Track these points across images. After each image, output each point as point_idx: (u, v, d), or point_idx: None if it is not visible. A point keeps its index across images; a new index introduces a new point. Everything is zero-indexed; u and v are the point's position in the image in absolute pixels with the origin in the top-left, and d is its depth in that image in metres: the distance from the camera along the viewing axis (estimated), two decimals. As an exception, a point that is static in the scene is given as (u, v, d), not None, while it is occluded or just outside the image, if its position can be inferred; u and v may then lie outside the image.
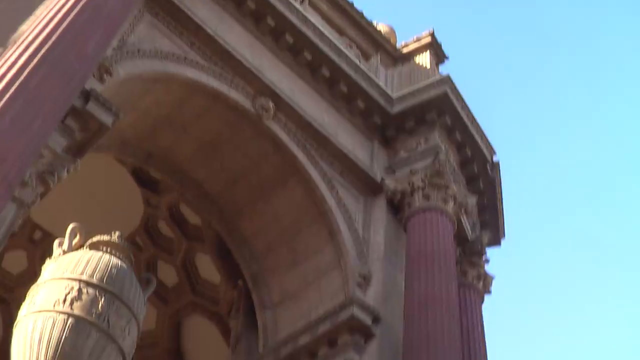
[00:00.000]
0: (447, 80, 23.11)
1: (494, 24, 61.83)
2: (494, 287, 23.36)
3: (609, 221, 58.13)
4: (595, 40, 58.86)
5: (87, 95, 15.25)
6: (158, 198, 24.01)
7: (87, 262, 11.88)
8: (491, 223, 24.55)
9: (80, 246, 12.50)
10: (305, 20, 21.67)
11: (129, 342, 11.59)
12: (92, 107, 15.31)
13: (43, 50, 13.44)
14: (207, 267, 24.54)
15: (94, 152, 17.05)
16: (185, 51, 19.01)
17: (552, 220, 60.23)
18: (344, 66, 22.08)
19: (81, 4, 14.64)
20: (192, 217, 23.99)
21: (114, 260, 12.06)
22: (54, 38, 13.78)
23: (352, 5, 25.23)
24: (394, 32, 27.18)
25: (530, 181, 58.34)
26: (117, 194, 23.96)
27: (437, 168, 21.35)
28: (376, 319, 18.75)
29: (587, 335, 56.44)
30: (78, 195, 23.45)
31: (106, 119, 15.55)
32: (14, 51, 13.32)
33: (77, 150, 15.41)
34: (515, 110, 60.51)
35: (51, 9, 14.43)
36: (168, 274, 25.08)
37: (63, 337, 11.01)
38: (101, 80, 16.27)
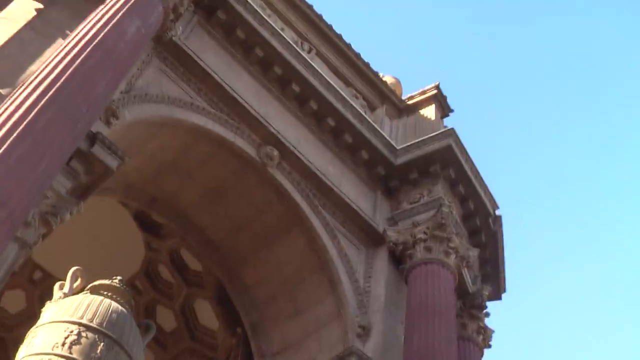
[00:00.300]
0: (452, 133, 23.19)
1: (500, 77, 62.19)
2: (493, 341, 23.23)
3: (610, 276, 57.99)
4: (602, 89, 59.15)
5: (93, 138, 15.30)
6: (159, 242, 23.97)
7: (88, 305, 11.85)
8: (492, 276, 24.48)
9: (81, 289, 12.49)
10: (312, 69, 21.80)
11: (127, 388, 11.53)
12: (97, 150, 15.35)
13: (51, 92, 13.43)
14: (206, 314, 24.43)
15: (98, 194, 17.06)
16: (192, 97, 19.10)
17: (554, 274, 60.06)
18: (350, 117, 22.16)
19: (91, 47, 14.68)
20: (193, 263, 23.94)
21: (114, 305, 12.03)
22: (62, 80, 13.78)
23: (358, 55, 25.42)
24: (400, 84, 27.35)
25: (533, 234, 58.26)
26: (118, 237, 23.95)
27: (440, 221, 21.33)
28: (375, 371, 18.64)
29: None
30: (80, 237, 23.44)
31: (111, 162, 15.58)
32: (22, 91, 13.32)
33: (81, 192, 15.41)
34: (518, 163, 60.66)
35: (61, 51, 14.49)
36: (167, 318, 24.95)
37: (61, 380, 10.94)
38: (108, 123, 16.33)
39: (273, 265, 21.09)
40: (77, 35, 14.81)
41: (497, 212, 24.43)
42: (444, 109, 26.46)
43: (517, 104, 61.14)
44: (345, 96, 22.60)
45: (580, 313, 58.67)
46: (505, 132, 61.53)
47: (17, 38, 15.74)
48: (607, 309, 58.15)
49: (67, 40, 14.77)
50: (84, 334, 11.36)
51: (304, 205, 20.45)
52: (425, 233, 21.15)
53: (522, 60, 61.37)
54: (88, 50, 14.60)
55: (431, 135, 23.41)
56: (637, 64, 57.20)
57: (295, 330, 20.58)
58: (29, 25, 16.11)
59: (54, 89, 13.53)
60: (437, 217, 21.42)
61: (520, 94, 61.59)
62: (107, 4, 15.77)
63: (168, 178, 20.28)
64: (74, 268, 12.78)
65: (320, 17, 24.96)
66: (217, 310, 23.67)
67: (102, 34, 14.98)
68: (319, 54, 24.26)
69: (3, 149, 11.92)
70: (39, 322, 11.97)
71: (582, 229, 59.26)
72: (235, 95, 19.78)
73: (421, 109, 25.92)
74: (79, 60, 14.31)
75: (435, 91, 26.20)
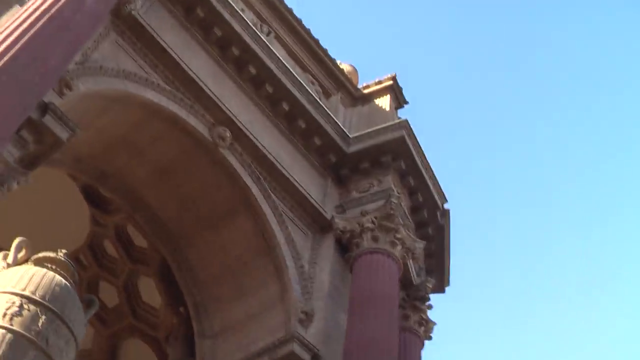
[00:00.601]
0: (405, 124, 23.28)
1: (458, 72, 62.51)
2: (435, 333, 23.42)
3: (552, 273, 58.75)
4: (562, 87, 59.81)
5: (44, 108, 15.12)
6: (106, 217, 23.73)
7: (31, 277, 11.73)
8: (437, 269, 24.68)
9: (25, 261, 12.33)
10: (270, 52, 21.74)
11: (66, 363, 11.43)
12: (48, 120, 15.18)
13: (3, 60, 13.25)
14: (150, 291, 24.26)
15: (47, 165, 16.87)
16: (147, 73, 18.95)
17: (498, 270, 60.70)
18: (305, 102, 22.15)
19: (47, 16, 14.48)
20: (139, 240, 23.74)
21: (58, 279, 11.91)
22: (16, 48, 13.60)
23: (317, 42, 25.38)
24: (357, 72, 27.38)
25: (480, 230, 58.76)
26: (65, 210, 23.69)
27: (388, 211, 21.43)
28: (315, 357, 18.69)
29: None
30: (26, 208, 23.13)
31: (62, 133, 15.42)
32: (-27, 58, 13.14)
33: (29, 162, 15.24)
34: (471, 159, 61.08)
35: (16, 19, 14.29)
36: (109, 294, 24.74)
37: (0, 352, 10.80)
38: (61, 94, 16.11)
39: (219, 247, 21.03)
40: (34, 3, 14.60)
41: (446, 206, 24.63)
42: (399, 101, 26.54)
43: (474, 99, 61.56)
44: (302, 81, 22.57)
45: (521, 311, 59.42)
46: (459, 127, 61.97)
47: (-27, 4, 15.50)
48: (549, 307, 58.94)
49: (24, 8, 14.58)
50: (25, 306, 11.23)
51: (253, 188, 20.42)
52: (372, 222, 21.24)
53: (481, 55, 61.76)
54: (44, 19, 14.42)
55: (384, 125, 23.51)
56: (586, 53, 58.02)
57: (238, 312, 20.56)
58: (-14, -8, 15.86)
59: (6, 57, 13.36)
60: (385, 208, 21.52)
61: (477, 89, 62.05)
62: (67, -26, 15.55)
63: (118, 153, 20.11)
64: (18, 239, 12.62)
65: (281, 0, 24.87)
66: (160, 288, 23.51)
67: (60, 3, 14.79)
68: (277, 38, 24.18)
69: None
70: (-21, 292, 11.81)
71: (528, 227, 59.91)
72: (192, 74, 19.66)
73: (376, 99, 25.97)
74: (34, 30, 14.13)
75: (391, 82, 26.26)
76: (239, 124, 20.34)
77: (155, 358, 24.19)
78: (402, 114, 26.36)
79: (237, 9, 21.42)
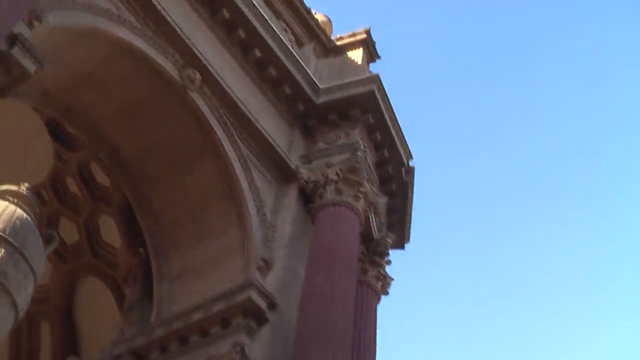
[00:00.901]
0: (376, 79, 23.23)
1: (434, 29, 62.34)
2: (392, 289, 23.57)
3: (512, 237, 59.33)
4: (531, 46, 59.91)
5: (13, 39, 14.89)
6: (70, 154, 23.51)
7: (-9, 209, 11.60)
8: (398, 226, 24.79)
9: (-14, 193, 12.20)
10: (244, -4, 21.50)
11: (24, 297, 11.38)
12: (17, 52, 14.97)
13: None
14: (110, 231, 24.16)
15: (12, 97, 16.67)
16: (119, 9, 18.68)
17: (460, 230, 61.17)
18: (276, 49, 21.99)
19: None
20: (102, 178, 23.59)
21: (19, 212, 11.82)
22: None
23: (293, -12, 25.12)
24: (331, 23, 27.18)
25: (445, 190, 58.95)
26: (28, 143, 23.45)
27: (353, 164, 21.45)
28: (272, 305, 18.76)
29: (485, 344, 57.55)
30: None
31: (30, 65, 15.23)
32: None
33: (-5, 93, 15.06)
34: (440, 118, 61.09)
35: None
36: (69, 231, 24.62)
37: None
38: (30, 26, 15.81)
39: (182, 190, 20.96)
40: None
41: (411, 163, 24.66)
42: (372, 55, 26.37)
43: (448, 58, 61.36)
44: (275, 28, 22.37)
45: (482, 274, 60.06)
46: (431, 87, 61.85)
47: None
48: (507, 274, 59.58)
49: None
50: (-16, 239, 11.15)
51: (220, 133, 20.30)
52: (337, 175, 21.25)
53: (457, 15, 61.58)
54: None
55: (355, 79, 23.43)
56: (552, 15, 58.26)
57: (197, 257, 20.56)
58: None
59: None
60: (350, 161, 21.54)
61: (452, 49, 61.88)
62: None
63: (85, 89, 19.86)
64: (-20, 170, 12.49)
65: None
66: (121, 228, 23.42)
67: None
68: (253, -19, 23.90)
69: None
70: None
71: (495, 192, 60.23)
72: (164, 14, 19.41)
73: (349, 52, 25.80)
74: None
75: (364, 35, 26.08)
76: (209, 68, 20.17)
77: (113, 298, 24.19)
78: (374, 68, 26.25)
79: (214, -48, 21.13)
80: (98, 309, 24.71)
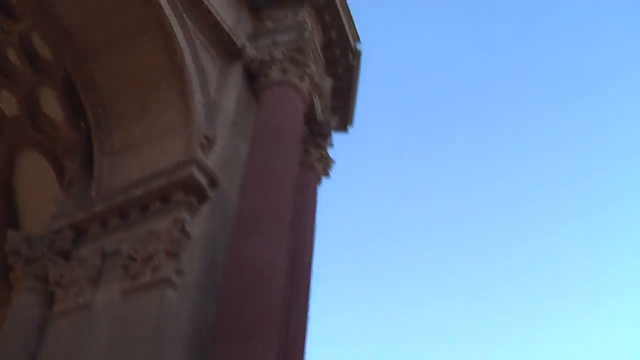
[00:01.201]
0: (327, -44, 22.87)
1: None
2: (333, 173, 23.73)
3: (458, 128, 59.74)
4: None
5: None
6: (11, 24, 22.92)
7: None
8: (342, 109, 24.81)
9: None
10: None
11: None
12: None
13: None
14: (51, 104, 23.73)
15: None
16: None
17: (403, 118, 61.41)
18: None
19: None
20: (44, 50, 23.08)
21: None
22: None
23: None
24: None
25: (390, 76, 58.88)
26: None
27: (300, 44, 21.26)
28: (213, 183, 18.68)
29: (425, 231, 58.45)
30: None
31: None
32: None
33: None
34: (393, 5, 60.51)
35: None
36: (9, 104, 24.21)
37: None
38: None
39: (125, 65, 20.60)
40: None
41: (359, 47, 24.52)
42: None
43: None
44: None
45: (426, 168, 60.54)
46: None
47: None
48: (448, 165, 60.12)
49: None
50: None
51: (165, 6, 19.86)
52: (283, 54, 21.07)
53: None
54: None
55: (306, -45, 23.02)
56: None
57: (140, 132, 20.35)
58: None
59: None
60: (297, 41, 21.34)
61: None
62: None
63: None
64: None
65: None
66: (62, 102, 23.00)
67: None
68: None
69: None
70: None
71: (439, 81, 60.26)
72: None
73: None
74: None
75: None
76: (156, -61, 19.64)
77: (53, 172, 23.98)
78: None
79: None
80: (38, 184, 24.52)
